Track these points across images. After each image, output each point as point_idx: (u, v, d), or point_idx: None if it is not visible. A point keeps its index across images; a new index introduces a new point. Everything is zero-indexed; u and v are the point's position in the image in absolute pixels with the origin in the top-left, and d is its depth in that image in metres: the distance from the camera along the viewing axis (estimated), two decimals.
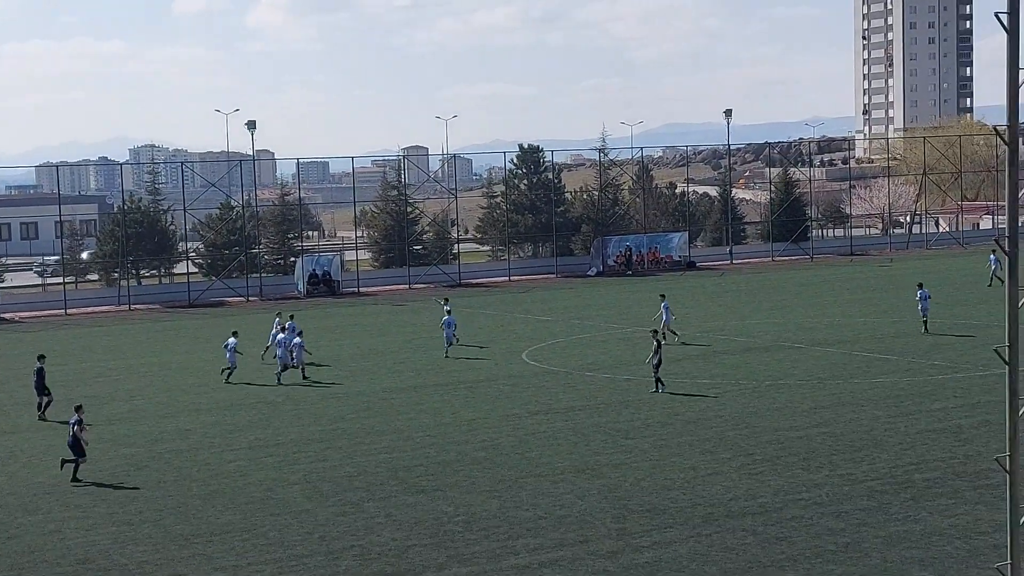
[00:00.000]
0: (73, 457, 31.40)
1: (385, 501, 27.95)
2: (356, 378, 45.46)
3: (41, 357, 41.23)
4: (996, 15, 11.31)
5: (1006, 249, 11.77)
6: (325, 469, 31.26)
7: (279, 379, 44.42)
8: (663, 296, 53.82)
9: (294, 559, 24.02)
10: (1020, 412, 12.38)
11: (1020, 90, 11.54)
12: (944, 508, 25.65)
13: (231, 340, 45.73)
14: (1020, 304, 12.22)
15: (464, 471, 30.47)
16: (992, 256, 68.04)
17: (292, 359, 45.36)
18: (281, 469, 31.47)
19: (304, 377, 44.96)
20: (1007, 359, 12.37)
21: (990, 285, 65.50)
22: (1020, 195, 12.48)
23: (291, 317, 52.13)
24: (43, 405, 39.88)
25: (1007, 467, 12.47)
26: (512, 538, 24.81)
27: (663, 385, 39.82)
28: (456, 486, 29.03)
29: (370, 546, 24.66)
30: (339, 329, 61.37)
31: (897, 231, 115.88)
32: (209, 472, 31.48)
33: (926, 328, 50.91)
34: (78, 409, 32.28)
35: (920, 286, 52.45)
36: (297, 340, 45.94)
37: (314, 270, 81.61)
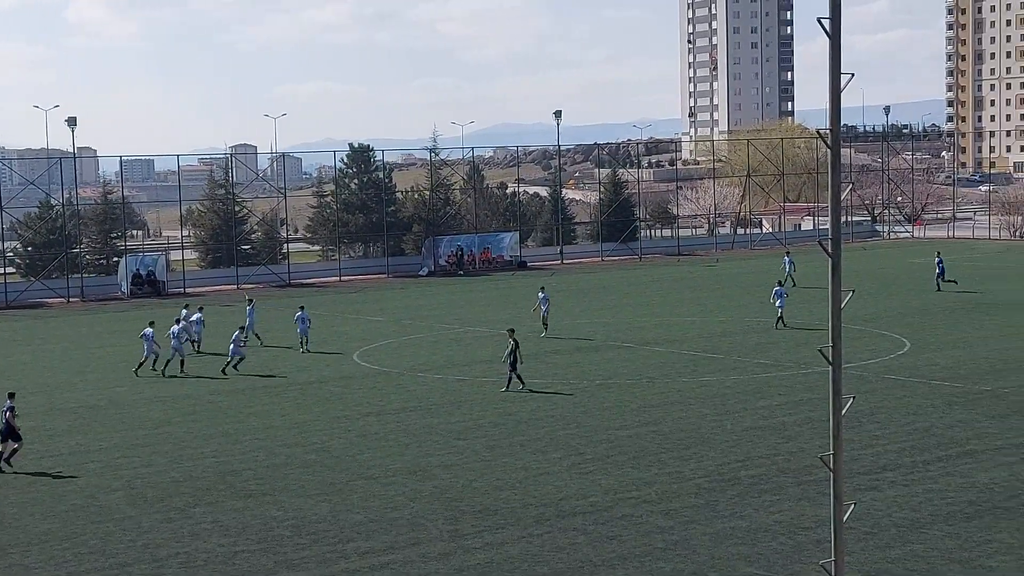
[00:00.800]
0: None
1: (212, 506, 27.35)
2: (182, 381, 44.47)
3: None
4: (819, 20, 11.46)
5: (829, 251, 11.93)
6: (150, 475, 30.46)
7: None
8: (543, 288, 55.62)
9: (117, 567, 23.31)
10: (843, 411, 12.59)
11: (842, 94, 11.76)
12: (769, 504, 26.13)
13: (148, 330, 46.48)
14: (843, 305, 12.42)
15: (294, 475, 30.01)
16: (786, 258, 69.69)
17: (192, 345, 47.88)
18: (104, 475, 30.57)
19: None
20: (830, 359, 12.56)
21: (783, 283, 66.53)
22: (842, 197, 12.67)
23: (250, 301, 54.62)
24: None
25: (831, 465, 12.65)
26: (342, 542, 24.49)
27: (521, 383, 39.83)
28: (285, 490, 28.56)
29: (196, 553, 24.08)
30: (164, 331, 59.85)
31: (722, 231, 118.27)
32: (27, 479, 30.40)
33: (783, 322, 52.16)
34: (11, 396, 32.23)
35: (780, 283, 55.11)
36: (196, 317, 49.28)
37: (138, 270, 79.67)
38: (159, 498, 28.17)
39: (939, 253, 71.10)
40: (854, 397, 13.95)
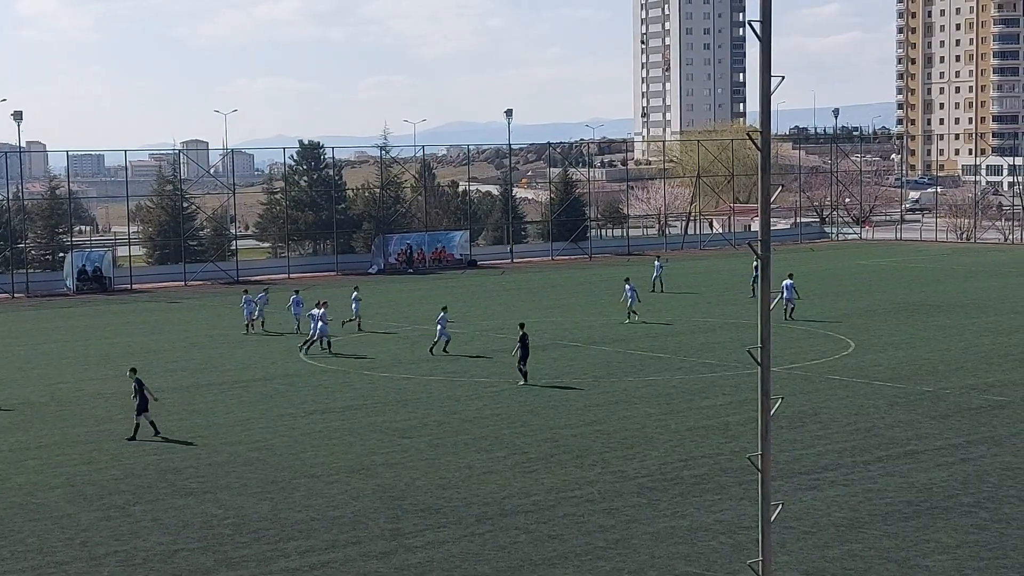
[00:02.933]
0: None
1: (152, 504, 27.15)
2: (126, 378, 44.05)
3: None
4: (749, 23, 11.53)
5: (759, 253, 11.98)
6: (90, 472, 30.19)
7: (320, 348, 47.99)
8: (628, 279, 58.12)
9: (54, 566, 23.10)
10: (771, 411, 12.65)
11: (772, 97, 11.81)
12: (710, 504, 26.24)
13: (317, 311, 48.41)
14: (771, 306, 12.47)
15: (236, 472, 29.84)
16: (656, 262, 69.83)
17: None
18: (43, 472, 30.28)
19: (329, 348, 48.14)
20: (759, 360, 12.62)
21: (652, 290, 66.97)
22: (772, 199, 12.72)
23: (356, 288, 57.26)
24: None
25: (759, 466, 12.71)
26: (283, 540, 24.37)
27: (523, 379, 40.29)
28: (227, 488, 28.40)
29: (135, 551, 23.89)
30: (110, 327, 59.51)
31: (673, 231, 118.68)
32: None
33: (791, 316, 54.06)
34: None
35: (790, 276, 56.17)
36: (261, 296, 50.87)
37: (84, 266, 78.98)
38: (98, 496, 27.94)
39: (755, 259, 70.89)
40: (782, 398, 14.02)
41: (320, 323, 47.98)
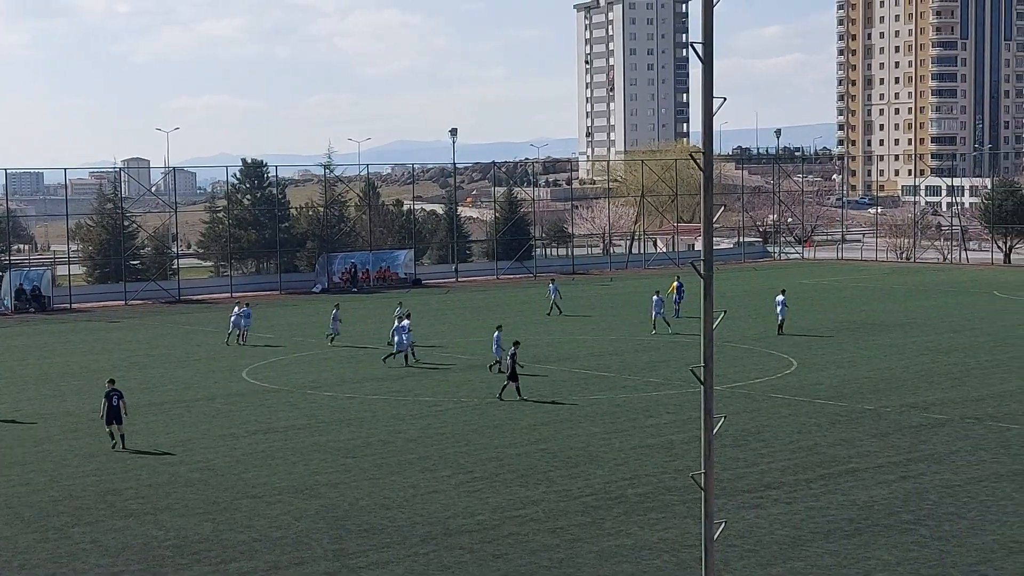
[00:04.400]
0: None
1: (92, 526, 26.83)
2: (65, 398, 43.64)
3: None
4: (692, 45, 11.61)
5: (701, 272, 12.03)
6: (28, 493, 29.79)
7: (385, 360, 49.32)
8: (783, 291, 60.21)
9: None
10: (714, 430, 12.69)
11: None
12: (655, 522, 26.29)
13: (404, 322, 49.69)
14: (714, 325, 12.53)
15: (177, 493, 29.56)
16: (551, 285, 69.35)
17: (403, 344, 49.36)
18: None
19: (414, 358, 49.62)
20: (702, 379, 12.66)
21: (549, 314, 67.07)
22: (715, 219, 12.78)
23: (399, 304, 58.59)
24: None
25: (702, 484, 12.74)
26: (225, 562, 24.15)
27: (500, 392, 41.18)
28: (168, 509, 28.12)
29: (74, 574, 23.61)
30: (48, 347, 58.87)
31: (617, 251, 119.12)
32: None
33: (781, 330, 56.50)
34: None
35: (782, 292, 59.26)
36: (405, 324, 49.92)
37: (22, 285, 78.07)
38: (36, 518, 27.57)
39: (678, 277, 69.98)
40: (724, 417, 14.07)
41: (405, 335, 49.08)
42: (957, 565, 23.21)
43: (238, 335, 57.32)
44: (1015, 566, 23.14)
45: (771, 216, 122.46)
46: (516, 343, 42.46)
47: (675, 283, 65.99)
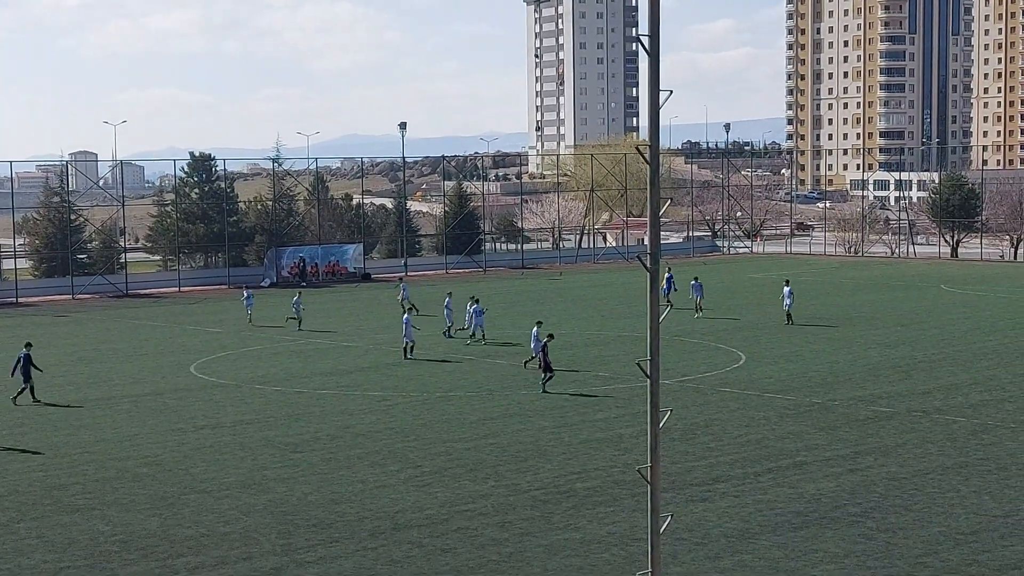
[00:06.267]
0: None
1: (38, 521, 26.58)
2: (10, 393, 43.14)
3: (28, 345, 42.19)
4: (637, 37, 11.63)
5: (648, 266, 12.05)
6: None
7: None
8: (787, 281, 60.72)
9: None
10: (661, 424, 12.72)
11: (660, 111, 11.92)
12: (604, 516, 26.36)
13: (475, 307, 53.49)
14: (660, 319, 12.55)
15: (124, 488, 29.33)
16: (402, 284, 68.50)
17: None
18: None
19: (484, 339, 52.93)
20: (648, 372, 12.69)
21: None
22: (663, 213, 12.80)
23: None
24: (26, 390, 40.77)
25: (648, 477, 12.78)
26: (172, 557, 23.99)
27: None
28: (115, 504, 27.90)
29: (19, 570, 23.37)
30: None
31: (567, 245, 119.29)
32: None
33: (790, 320, 57.86)
34: None
35: (787, 283, 60.04)
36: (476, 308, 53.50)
37: None
38: None
39: (669, 268, 70.56)
40: (671, 410, 14.12)
41: (478, 316, 52.99)
42: (904, 557, 23.42)
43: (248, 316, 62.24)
44: (961, 557, 23.38)
45: (720, 211, 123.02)
46: (550, 336, 42.86)
47: (666, 274, 66.52)
